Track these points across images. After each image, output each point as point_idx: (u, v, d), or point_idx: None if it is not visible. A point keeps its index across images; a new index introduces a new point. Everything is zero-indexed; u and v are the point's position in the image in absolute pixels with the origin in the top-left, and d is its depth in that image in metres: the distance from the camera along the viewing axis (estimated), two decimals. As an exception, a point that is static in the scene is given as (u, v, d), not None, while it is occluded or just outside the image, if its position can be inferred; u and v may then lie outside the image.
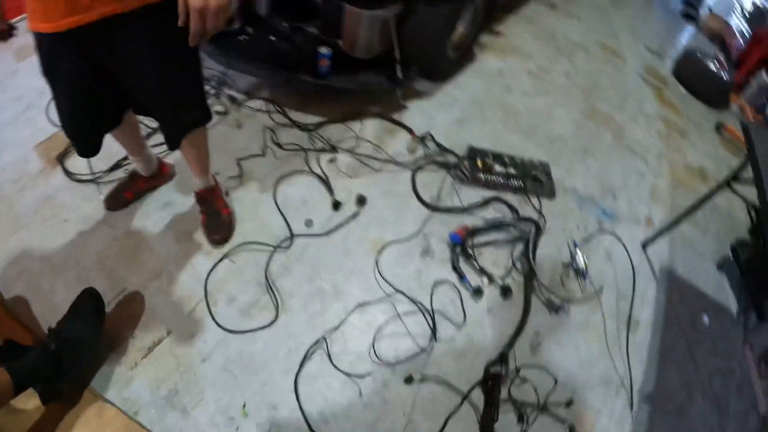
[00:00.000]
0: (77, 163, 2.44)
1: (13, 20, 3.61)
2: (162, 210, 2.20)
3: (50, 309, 1.88)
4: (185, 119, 1.68)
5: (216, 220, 2.13)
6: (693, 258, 2.88)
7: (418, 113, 2.92)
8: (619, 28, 5.02)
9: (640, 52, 4.87)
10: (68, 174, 2.43)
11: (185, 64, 1.51)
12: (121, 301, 1.92)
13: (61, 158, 2.58)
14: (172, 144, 1.71)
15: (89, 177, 2.36)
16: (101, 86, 1.51)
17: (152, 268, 2.02)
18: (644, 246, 2.81)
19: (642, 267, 2.66)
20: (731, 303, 2.77)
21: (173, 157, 2.31)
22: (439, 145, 2.71)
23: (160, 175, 2.23)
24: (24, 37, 3.98)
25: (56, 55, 1.38)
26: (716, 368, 2.40)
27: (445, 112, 3.00)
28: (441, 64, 3.00)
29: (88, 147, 1.71)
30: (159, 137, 2.32)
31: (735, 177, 2.27)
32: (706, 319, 2.58)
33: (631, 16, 5.41)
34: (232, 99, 2.68)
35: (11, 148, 2.80)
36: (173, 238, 2.12)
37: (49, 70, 1.45)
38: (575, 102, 3.58)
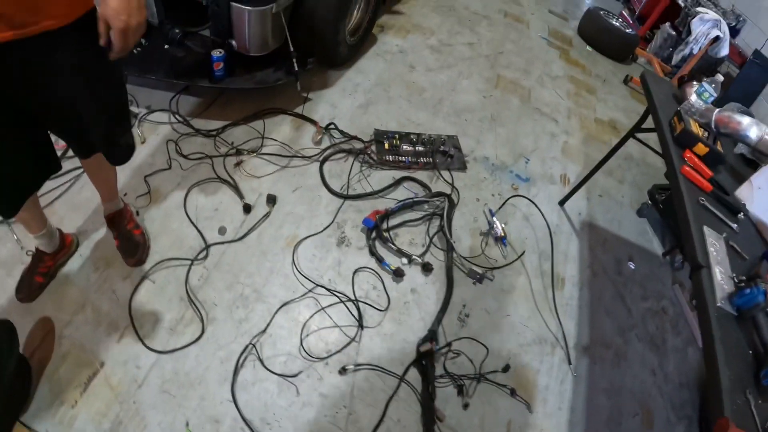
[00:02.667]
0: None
1: None
2: (76, 240, 2.13)
3: None
4: (122, 143, 1.67)
5: (129, 242, 2.07)
6: (612, 208, 2.99)
7: (321, 103, 2.89)
8: (521, -5, 5.07)
9: (543, 16, 4.96)
10: None
11: (111, 77, 1.46)
12: (49, 339, 1.86)
13: None
14: (121, 161, 1.72)
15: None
16: (18, 137, 1.42)
17: (74, 300, 1.95)
18: (561, 203, 2.88)
19: (562, 224, 2.74)
20: (655, 246, 2.88)
21: (73, 223, 2.16)
22: (342, 133, 2.68)
23: (65, 246, 2.10)
24: None
25: None
26: (648, 310, 2.50)
27: (348, 99, 2.98)
28: (339, 51, 2.97)
29: (14, 209, 1.63)
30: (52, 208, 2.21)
31: (640, 126, 2.36)
32: (631, 265, 2.68)
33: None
34: (133, 114, 2.58)
35: None
36: (91, 268, 2.05)
37: None
38: (480, 71, 3.62)
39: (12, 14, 1.09)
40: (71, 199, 2.18)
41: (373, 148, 2.66)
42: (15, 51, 1.15)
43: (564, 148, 3.26)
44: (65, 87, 1.32)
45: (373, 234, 2.31)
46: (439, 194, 2.55)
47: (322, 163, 2.55)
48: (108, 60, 1.25)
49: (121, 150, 1.72)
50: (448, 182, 2.68)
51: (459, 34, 3.93)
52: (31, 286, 1.99)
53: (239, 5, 2.34)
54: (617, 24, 4.74)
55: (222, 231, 2.21)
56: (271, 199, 2.33)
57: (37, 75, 1.24)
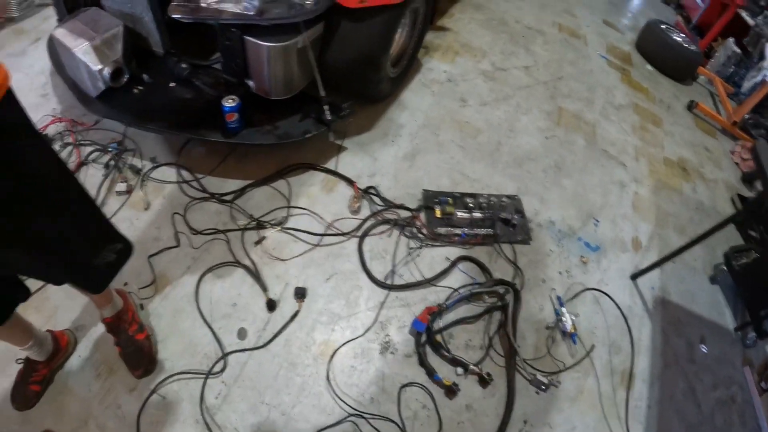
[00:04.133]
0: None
1: None
2: (72, 338, 1.85)
3: None
4: (105, 257, 1.38)
5: (133, 350, 1.79)
6: (686, 276, 2.61)
7: (358, 154, 2.40)
8: (574, 3, 4.57)
9: (599, 28, 4.46)
10: None
11: (58, 200, 1.16)
12: None
13: None
14: (98, 289, 1.49)
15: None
16: None
17: (75, 414, 1.71)
18: (634, 278, 2.46)
19: (635, 305, 2.36)
20: (728, 319, 2.56)
21: (68, 315, 1.86)
22: (385, 200, 2.19)
23: (60, 350, 1.82)
24: None
25: None
26: (717, 401, 2.19)
27: (391, 147, 2.48)
28: (380, 88, 2.44)
29: None
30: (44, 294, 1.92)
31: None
32: (703, 348, 2.37)
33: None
34: (135, 169, 2.13)
35: None
36: (92, 374, 1.78)
37: None
38: (540, 104, 3.11)
39: None
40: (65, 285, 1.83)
41: (423, 217, 2.17)
42: None
43: (635, 202, 2.81)
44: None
45: (423, 339, 1.87)
46: (502, 282, 2.09)
47: (362, 239, 2.06)
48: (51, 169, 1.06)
49: (99, 273, 1.41)
50: (510, 260, 2.22)
51: (513, 55, 3.40)
52: (26, 395, 1.78)
53: (255, 40, 1.89)
54: (679, 39, 4.19)
55: (242, 334, 1.83)
56: (300, 293, 1.90)
57: None
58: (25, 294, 1.42)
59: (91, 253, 1.33)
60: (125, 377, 1.75)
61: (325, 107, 2.13)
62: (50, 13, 3.01)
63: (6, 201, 1.02)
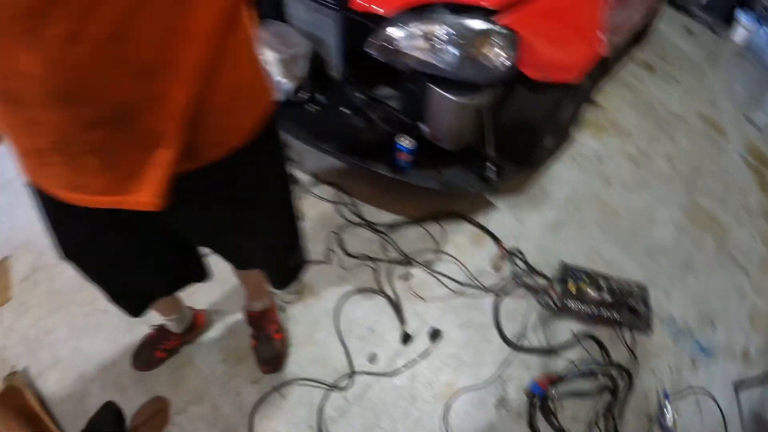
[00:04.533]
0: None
1: None
2: (209, 318, 2.02)
3: (82, 414, 1.75)
4: (290, 265, 1.52)
5: (267, 347, 1.89)
6: None
7: (507, 214, 2.58)
8: (717, 92, 4.54)
9: (740, 124, 4.41)
10: None
11: (281, 202, 1.27)
12: (159, 420, 1.76)
13: None
14: (283, 285, 1.61)
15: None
16: (168, 258, 1.27)
17: (194, 388, 1.83)
18: (737, 388, 2.46)
19: (731, 415, 2.34)
20: None
21: (208, 297, 2.05)
22: (528, 265, 2.36)
23: (195, 327, 1.96)
24: None
25: (90, 230, 1.07)
26: None
27: (537, 214, 2.64)
28: (537, 155, 2.61)
29: (140, 312, 1.47)
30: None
31: None
32: None
33: (728, 75, 4.92)
34: (295, 181, 2.36)
35: None
36: (219, 357, 1.91)
37: (79, 250, 1.14)
38: (677, 196, 3.18)
39: (202, 145, 0.89)
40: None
41: (557, 288, 2.31)
42: (190, 182, 0.92)
43: (752, 313, 2.81)
44: (232, 213, 1.12)
45: (537, 402, 2.00)
46: (619, 366, 2.20)
47: (499, 297, 2.25)
48: (283, 174, 1.16)
49: (288, 272, 1.55)
50: (628, 346, 2.31)
51: (657, 142, 3.48)
52: (150, 359, 1.89)
53: (440, 90, 2.05)
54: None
55: (373, 359, 1.98)
56: (435, 334, 2.07)
57: (206, 202, 1.04)
58: (202, 276, 1.48)
59: (289, 252, 1.44)
60: (251, 369, 1.88)
61: (491, 166, 2.30)
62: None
63: (248, 200, 1.12)
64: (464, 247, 2.37)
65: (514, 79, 2.12)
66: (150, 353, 1.89)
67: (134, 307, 1.44)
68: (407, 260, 2.25)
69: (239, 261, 1.41)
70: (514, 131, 2.34)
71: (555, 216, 2.67)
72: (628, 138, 3.40)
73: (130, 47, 0.69)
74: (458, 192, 2.34)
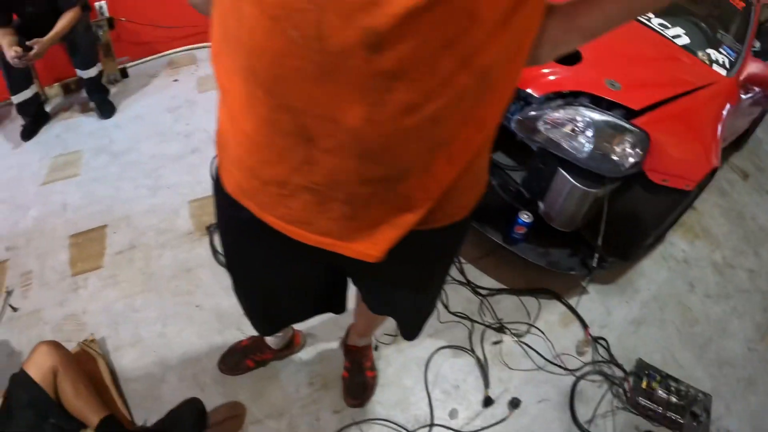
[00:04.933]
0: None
1: (128, 64, 4.02)
2: (304, 340, 2.14)
3: (153, 398, 1.88)
4: (425, 316, 1.53)
5: (358, 381, 1.99)
6: None
7: (597, 302, 2.76)
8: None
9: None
10: (215, 252, 2.41)
11: (449, 265, 1.30)
12: (233, 426, 1.86)
13: (211, 231, 2.53)
14: (412, 336, 1.62)
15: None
16: (323, 289, 1.35)
17: (274, 403, 1.93)
18: None
19: None
20: None
21: (306, 323, 2.05)
22: (610, 355, 2.53)
23: (291, 345, 2.05)
24: (205, 67, 4.11)
25: (269, 254, 1.11)
26: None
27: (623, 307, 2.82)
28: (636, 251, 2.78)
29: (273, 332, 1.61)
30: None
31: None
32: None
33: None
34: None
35: (166, 190, 2.86)
36: (306, 379, 2.03)
37: (249, 263, 1.18)
38: (753, 313, 3.28)
39: (438, 216, 0.94)
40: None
41: (632, 382, 2.48)
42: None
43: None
44: (413, 271, 1.16)
45: None
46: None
47: (578, 380, 2.42)
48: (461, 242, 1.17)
49: (421, 325, 1.57)
50: (685, 450, 2.43)
51: (742, 255, 3.59)
52: (238, 365, 1.96)
53: (566, 174, 2.22)
54: None
55: (453, 414, 2.12)
56: (515, 404, 2.21)
57: (401, 259, 0.99)
58: (341, 309, 1.52)
59: (429, 308, 1.46)
60: (335, 398, 1.97)
61: (596, 255, 2.48)
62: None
63: (433, 263, 1.17)
64: (553, 325, 2.55)
65: (635, 177, 2.28)
66: (240, 360, 1.97)
67: (269, 328, 1.55)
68: (501, 327, 2.45)
69: (381, 306, 1.43)
70: (624, 226, 2.51)
71: (639, 312, 2.83)
72: (717, 246, 3.53)
73: (439, 127, 0.74)
74: (559, 271, 2.51)
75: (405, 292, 1.25)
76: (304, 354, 2.09)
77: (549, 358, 2.45)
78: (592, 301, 2.75)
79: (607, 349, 2.57)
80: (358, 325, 1.89)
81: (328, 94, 0.66)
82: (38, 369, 1.56)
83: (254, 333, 1.84)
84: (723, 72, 2.82)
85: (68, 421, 1.56)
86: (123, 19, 3.85)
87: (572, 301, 2.69)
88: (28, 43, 2.80)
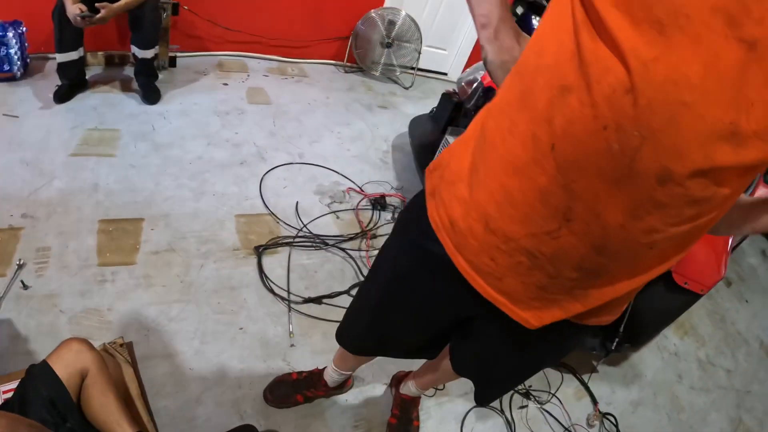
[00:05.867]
0: (276, 269, 2.31)
1: (179, 54, 3.99)
2: (354, 382, 2.16)
3: (185, 420, 1.78)
4: (509, 388, 1.60)
5: (405, 429, 2.03)
6: None
7: (605, 381, 3.14)
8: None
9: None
10: (262, 275, 2.32)
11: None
12: None
13: (260, 252, 2.39)
14: (485, 403, 1.61)
15: (284, 294, 2.20)
16: (435, 335, 1.35)
17: None
18: None
19: None
20: None
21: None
22: (617, 430, 2.88)
23: (344, 386, 2.06)
24: (256, 78, 4.20)
25: (434, 286, 1.10)
26: None
27: (626, 389, 3.20)
28: (648, 341, 3.19)
29: (360, 353, 1.59)
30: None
31: None
32: None
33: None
34: None
35: (211, 197, 2.70)
36: (351, 421, 2.04)
37: (404, 289, 1.18)
38: (728, 408, 3.69)
39: (595, 313, 0.98)
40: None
41: (631, 458, 2.84)
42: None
43: None
44: (531, 351, 1.21)
45: None
46: None
47: (587, 451, 2.75)
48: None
49: (501, 393, 1.69)
50: None
51: (722, 355, 4.04)
52: (287, 398, 1.92)
53: None
54: None
55: None
56: None
57: (535, 340, 1.07)
58: (434, 356, 1.53)
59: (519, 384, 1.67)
60: None
61: (617, 339, 2.88)
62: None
63: (553, 350, 1.23)
64: (569, 398, 2.91)
65: (663, 277, 2.57)
66: (290, 393, 1.92)
67: (361, 349, 1.51)
68: (527, 393, 2.80)
69: (469, 369, 1.44)
70: (643, 317, 2.89)
71: (638, 395, 3.22)
72: (702, 344, 3.97)
73: (664, 247, 0.80)
74: (581, 350, 2.90)
75: (512, 364, 1.29)
76: (352, 396, 2.10)
77: (566, 426, 2.79)
78: (601, 380, 3.13)
79: (615, 426, 2.93)
80: (424, 378, 1.92)
81: (608, 194, 0.72)
82: (65, 367, 1.38)
83: (301, 368, 1.91)
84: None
85: (87, 430, 1.40)
86: (186, 7, 3.78)
87: (584, 377, 3.06)
88: (97, 5, 2.67)
